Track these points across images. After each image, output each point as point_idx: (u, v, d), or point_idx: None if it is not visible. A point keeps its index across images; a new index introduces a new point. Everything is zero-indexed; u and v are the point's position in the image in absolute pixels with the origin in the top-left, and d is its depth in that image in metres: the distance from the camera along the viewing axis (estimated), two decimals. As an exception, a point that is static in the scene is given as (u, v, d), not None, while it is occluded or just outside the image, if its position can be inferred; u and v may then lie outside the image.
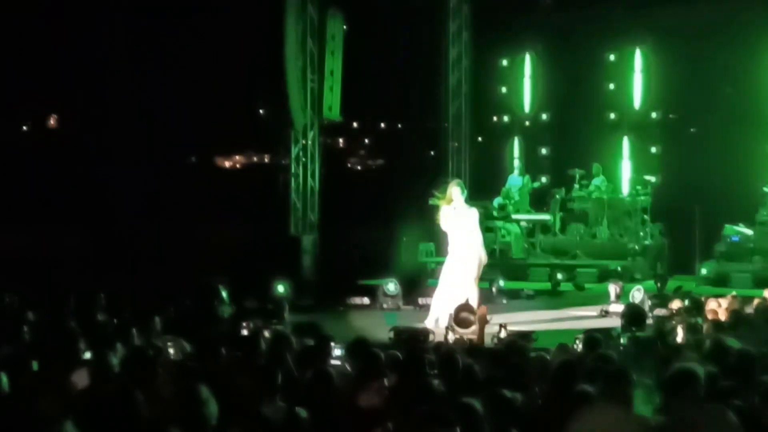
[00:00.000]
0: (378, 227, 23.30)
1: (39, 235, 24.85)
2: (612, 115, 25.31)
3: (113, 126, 27.54)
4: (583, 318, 16.34)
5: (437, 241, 16.96)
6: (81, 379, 8.25)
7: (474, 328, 14.08)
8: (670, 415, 6.65)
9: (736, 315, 13.60)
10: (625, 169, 24.89)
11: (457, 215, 15.14)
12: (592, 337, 10.50)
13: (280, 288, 17.82)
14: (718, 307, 14.54)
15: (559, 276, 20.82)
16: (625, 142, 25.13)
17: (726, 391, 7.45)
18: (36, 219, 25.16)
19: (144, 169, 26.96)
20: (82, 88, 26.56)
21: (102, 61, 26.61)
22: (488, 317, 14.30)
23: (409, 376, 8.10)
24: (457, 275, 15.23)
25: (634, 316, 14.33)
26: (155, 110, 26.63)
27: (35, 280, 16.77)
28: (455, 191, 15.25)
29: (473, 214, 15.33)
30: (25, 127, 33.76)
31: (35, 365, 8.49)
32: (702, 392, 6.76)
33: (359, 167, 37.55)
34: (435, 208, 15.52)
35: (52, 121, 33.81)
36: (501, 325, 13.30)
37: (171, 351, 9.19)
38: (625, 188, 24.23)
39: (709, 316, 14.18)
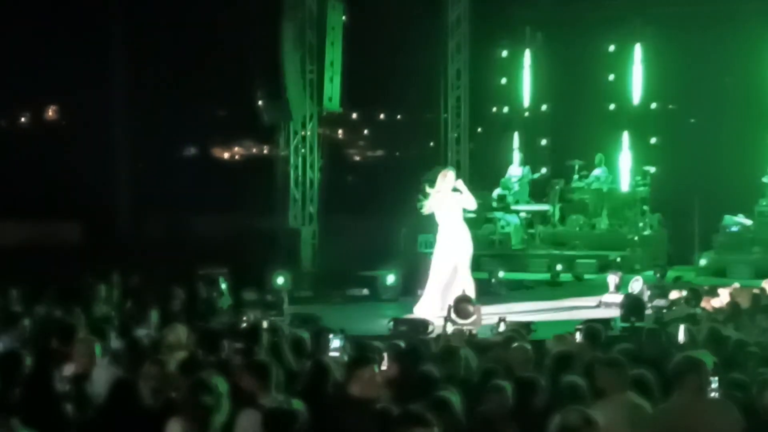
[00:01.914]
0: (377, 218, 23.29)
1: (37, 228, 24.83)
2: (612, 106, 25.30)
3: (112, 117, 27.52)
4: (582, 308, 16.34)
5: (436, 232, 16.96)
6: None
7: (474, 318, 14.10)
8: (673, 404, 6.67)
9: (734, 306, 13.62)
10: (625, 159, 24.87)
11: (440, 199, 15.15)
12: (592, 328, 10.51)
13: (280, 279, 17.82)
14: (717, 298, 14.56)
15: (559, 267, 20.83)
16: (625, 133, 25.11)
17: (725, 382, 7.46)
18: (34, 212, 25.11)
19: (143, 160, 26.95)
20: (81, 80, 26.50)
21: (100, 51, 26.57)
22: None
23: (408, 366, 8.11)
24: (450, 266, 15.24)
25: (633, 306, 14.36)
26: (153, 101, 26.59)
27: (33, 274, 16.75)
28: (442, 175, 15.32)
29: (458, 198, 15.34)
30: (23, 119, 33.75)
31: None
32: (706, 382, 6.75)
33: (358, 158, 37.55)
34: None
35: (50, 113, 33.80)
36: (500, 318, 13.28)
37: (169, 339, 9.21)
38: (625, 179, 24.19)
39: (708, 307, 14.20)
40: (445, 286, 15.18)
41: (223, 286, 16.74)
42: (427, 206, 15.28)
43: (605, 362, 7.30)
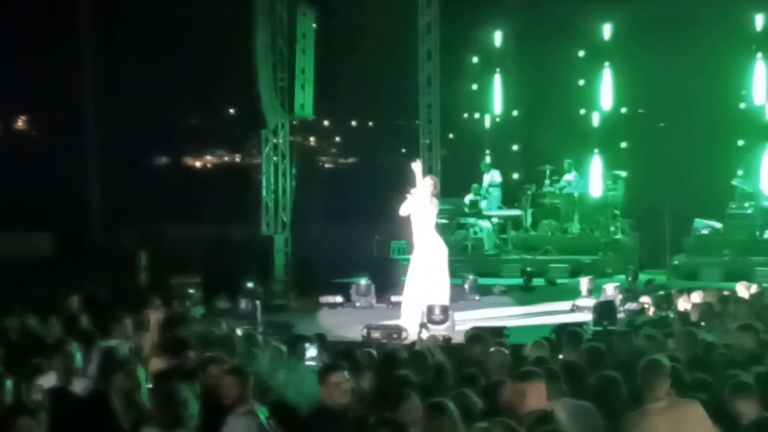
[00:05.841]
0: (350, 225, 23.28)
1: (8, 239, 24.64)
2: (582, 111, 25.43)
3: (82, 127, 27.38)
4: (555, 313, 16.38)
5: (409, 238, 16.96)
6: (49, 381, 8.26)
7: (448, 324, 14.12)
8: (641, 405, 6.74)
9: (706, 308, 13.70)
10: (596, 164, 24.97)
11: (415, 202, 15.13)
12: (566, 332, 10.55)
13: (253, 287, 17.78)
14: (688, 301, 14.64)
15: (531, 271, 20.89)
16: (596, 138, 25.23)
17: (694, 384, 7.54)
18: (4, 223, 24.94)
19: (114, 169, 26.80)
20: (51, 89, 26.36)
21: (70, 60, 26.45)
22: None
23: (381, 372, 8.13)
24: (426, 270, 15.24)
25: (605, 310, 14.41)
26: (125, 110, 26.46)
27: (4, 286, 16.66)
28: (424, 181, 15.32)
29: (433, 204, 15.36)
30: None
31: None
32: (669, 384, 6.84)
33: (331, 165, 37.51)
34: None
35: (20, 123, 33.59)
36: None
37: (142, 345, 9.20)
38: (596, 184, 24.25)
39: (680, 310, 14.29)
40: (424, 293, 15.13)
41: (196, 294, 16.71)
42: (403, 208, 15.24)
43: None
